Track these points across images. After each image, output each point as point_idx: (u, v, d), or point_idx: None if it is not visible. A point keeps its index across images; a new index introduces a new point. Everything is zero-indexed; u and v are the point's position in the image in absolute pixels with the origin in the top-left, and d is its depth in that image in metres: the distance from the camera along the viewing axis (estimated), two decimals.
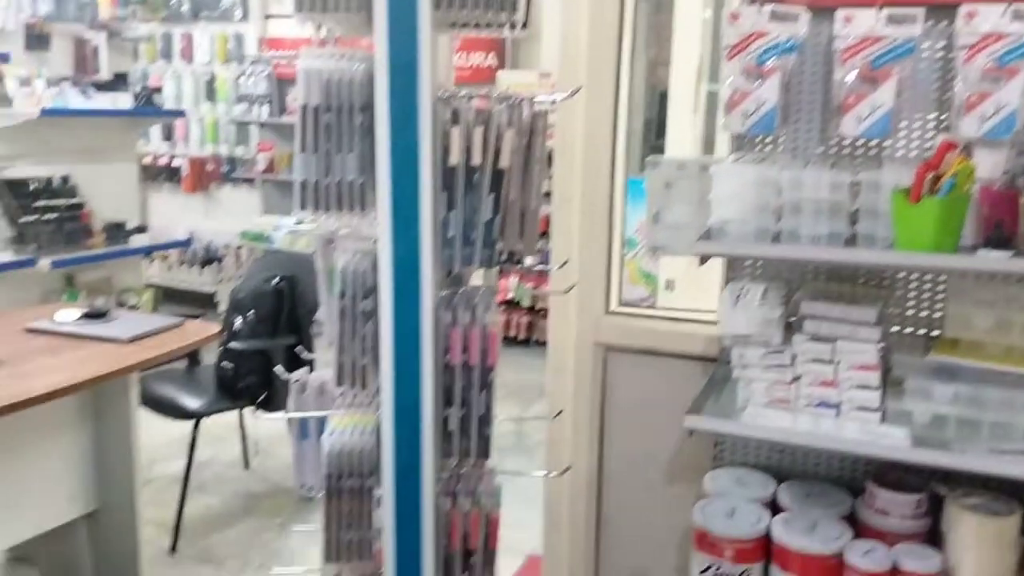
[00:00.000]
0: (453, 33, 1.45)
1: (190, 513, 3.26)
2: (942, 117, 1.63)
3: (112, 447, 2.65)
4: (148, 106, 4.92)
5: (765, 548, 1.60)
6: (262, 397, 3.22)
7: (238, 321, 3.22)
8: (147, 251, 4.93)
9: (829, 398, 1.53)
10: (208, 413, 3.12)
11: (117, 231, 4.59)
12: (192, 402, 3.11)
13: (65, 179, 4.43)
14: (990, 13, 1.45)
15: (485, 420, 1.38)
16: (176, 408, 3.10)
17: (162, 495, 3.42)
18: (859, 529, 1.62)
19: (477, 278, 1.51)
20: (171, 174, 6.45)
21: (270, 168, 6.15)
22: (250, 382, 3.18)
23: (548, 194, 1.80)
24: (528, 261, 1.44)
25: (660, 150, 2.86)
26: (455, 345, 1.36)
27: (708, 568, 1.61)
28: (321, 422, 1.56)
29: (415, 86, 1.27)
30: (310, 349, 3.33)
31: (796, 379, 1.56)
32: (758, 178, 1.56)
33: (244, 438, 3.89)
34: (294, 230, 6.03)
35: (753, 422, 1.55)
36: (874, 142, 1.67)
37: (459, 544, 1.41)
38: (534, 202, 1.46)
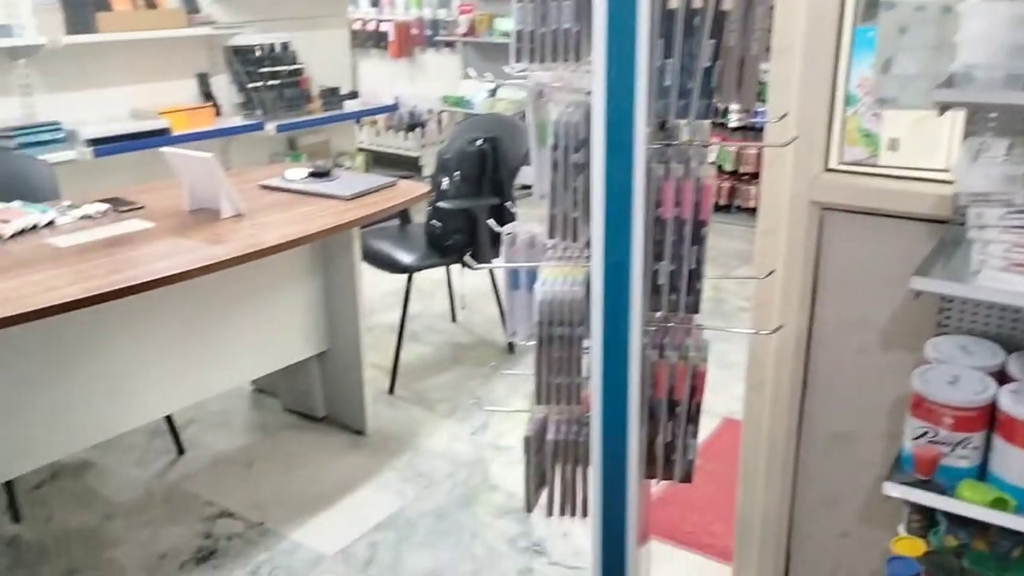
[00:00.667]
0: None
1: (405, 359, 3.54)
2: None
3: (339, 295, 2.90)
4: None
5: (988, 418, 1.52)
6: (468, 254, 3.37)
7: (445, 181, 3.35)
8: (359, 116, 5.18)
9: None
10: (420, 268, 3.31)
11: (332, 96, 4.83)
12: (406, 257, 3.31)
13: (285, 45, 4.67)
14: None
15: (695, 275, 1.38)
16: (392, 262, 3.32)
17: (380, 342, 3.73)
18: None
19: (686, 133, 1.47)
20: (378, 39, 6.63)
21: (471, 31, 6.17)
22: (457, 240, 3.33)
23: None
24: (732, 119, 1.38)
25: None
26: (667, 198, 1.35)
27: (923, 435, 1.55)
28: (531, 273, 1.62)
29: None
30: (511, 209, 3.42)
31: None
32: (1013, 16, 1.39)
33: (451, 293, 4.12)
34: (500, 87, 6.08)
35: (988, 285, 1.44)
36: None
37: (664, 395, 1.44)
38: (755, 48, 1.38)
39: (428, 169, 6.13)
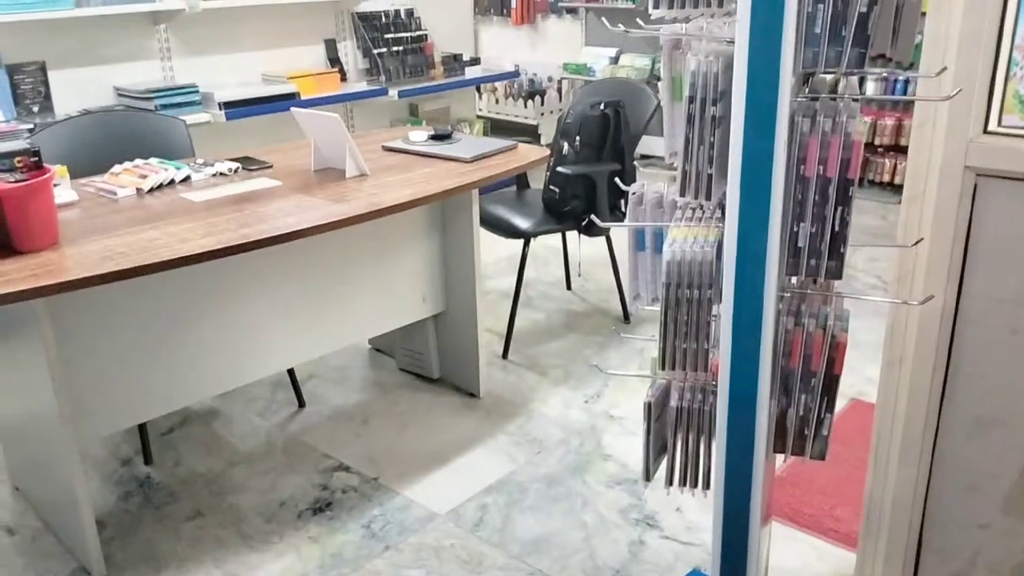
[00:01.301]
0: None
1: (518, 325, 3.53)
2: None
3: (457, 257, 2.90)
4: None
5: None
6: (586, 221, 3.32)
7: (565, 146, 3.30)
8: (480, 82, 5.17)
9: None
10: (536, 234, 3.28)
11: (454, 62, 4.84)
12: (522, 222, 3.28)
13: (410, 12, 4.70)
14: None
15: (839, 238, 1.29)
16: (509, 227, 3.30)
17: (494, 307, 3.73)
18: None
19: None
20: (501, 6, 6.60)
21: None
22: (575, 206, 3.28)
23: None
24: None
25: None
26: (811, 154, 1.26)
27: None
28: (656, 235, 1.56)
29: None
30: (632, 177, 3.34)
31: None
32: None
33: (566, 261, 4.08)
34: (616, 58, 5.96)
35: None
36: None
37: (799, 364, 1.36)
38: None
39: (546, 138, 6.08)
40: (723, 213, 1.33)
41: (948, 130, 1.71)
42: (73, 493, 2.15)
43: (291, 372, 3.00)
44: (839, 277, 1.32)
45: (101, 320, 2.18)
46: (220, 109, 3.84)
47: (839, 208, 1.27)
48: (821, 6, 1.20)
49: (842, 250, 1.30)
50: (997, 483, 1.83)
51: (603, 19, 5.86)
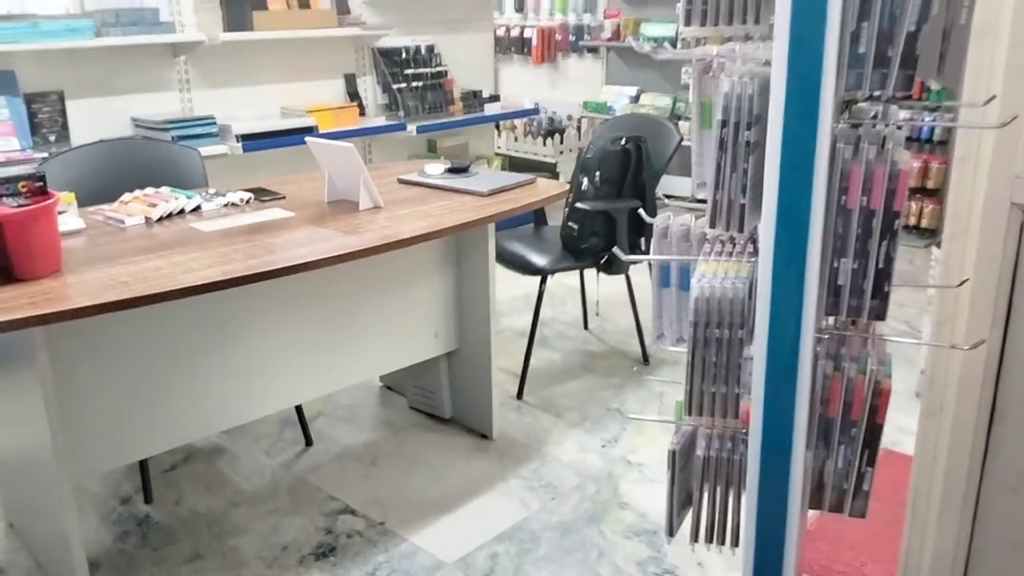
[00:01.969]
0: None
1: (534, 365, 3.43)
2: None
3: (472, 294, 2.82)
4: None
5: None
6: (604, 259, 3.23)
7: (584, 182, 3.22)
8: (499, 119, 5.14)
9: None
10: (553, 271, 3.20)
11: (473, 99, 4.81)
12: (539, 259, 3.20)
13: (431, 48, 4.69)
14: None
15: (884, 275, 1.19)
16: (525, 264, 3.22)
17: (509, 345, 3.63)
18: None
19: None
20: (521, 45, 6.60)
21: (616, 35, 6.04)
22: (593, 243, 3.20)
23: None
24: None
25: None
26: (854, 185, 1.17)
27: None
28: (683, 270, 1.46)
29: None
30: (653, 214, 3.26)
31: None
32: None
33: (584, 300, 3.99)
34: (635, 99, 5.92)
35: None
36: None
37: (838, 412, 1.26)
38: (964, 16, 1.18)
39: (565, 176, 6.02)
40: (756, 247, 1.23)
41: (992, 165, 1.62)
42: (65, 532, 2.06)
43: (299, 409, 2.91)
44: (883, 318, 1.22)
45: (102, 351, 2.11)
46: (237, 141, 3.80)
47: (883, 242, 1.18)
48: (865, 24, 1.12)
49: (886, 288, 1.20)
50: None
51: (630, 40, 5.83)
